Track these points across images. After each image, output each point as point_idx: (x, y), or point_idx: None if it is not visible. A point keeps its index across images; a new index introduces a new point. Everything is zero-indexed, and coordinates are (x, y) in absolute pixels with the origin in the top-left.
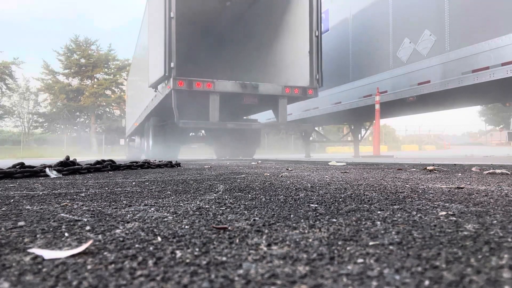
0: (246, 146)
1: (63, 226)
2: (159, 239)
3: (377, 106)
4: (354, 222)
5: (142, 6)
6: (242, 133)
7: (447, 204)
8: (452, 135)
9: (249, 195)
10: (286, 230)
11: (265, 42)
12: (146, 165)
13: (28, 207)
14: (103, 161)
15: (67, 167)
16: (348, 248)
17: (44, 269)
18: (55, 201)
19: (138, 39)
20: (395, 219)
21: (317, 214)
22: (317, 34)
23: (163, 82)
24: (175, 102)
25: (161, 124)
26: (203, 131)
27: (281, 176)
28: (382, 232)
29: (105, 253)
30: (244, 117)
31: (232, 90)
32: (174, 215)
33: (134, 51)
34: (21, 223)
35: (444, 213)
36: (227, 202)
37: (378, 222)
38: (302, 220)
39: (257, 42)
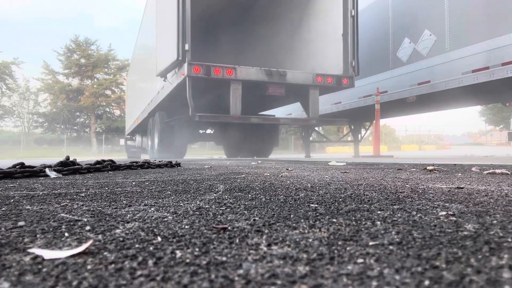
0: (262, 145)
1: (63, 226)
2: (159, 239)
3: (377, 106)
4: (354, 222)
5: (142, 6)
6: (258, 130)
7: (447, 204)
8: (452, 135)
9: (249, 195)
10: (286, 230)
11: (292, 23)
12: (146, 165)
13: (28, 207)
14: (103, 161)
15: (67, 167)
16: (348, 248)
17: (44, 269)
18: (55, 201)
19: (140, 27)
20: (395, 219)
21: (317, 214)
22: (353, 14)
23: (174, 69)
24: (190, 92)
25: (169, 119)
26: (210, 128)
27: (281, 176)
28: (382, 232)
29: (105, 253)
30: (259, 113)
31: (256, 78)
32: (174, 215)
33: (136, 40)
34: (21, 223)
35: (444, 213)
36: (227, 202)
37: (378, 222)
38: (302, 220)
39: (282, 23)
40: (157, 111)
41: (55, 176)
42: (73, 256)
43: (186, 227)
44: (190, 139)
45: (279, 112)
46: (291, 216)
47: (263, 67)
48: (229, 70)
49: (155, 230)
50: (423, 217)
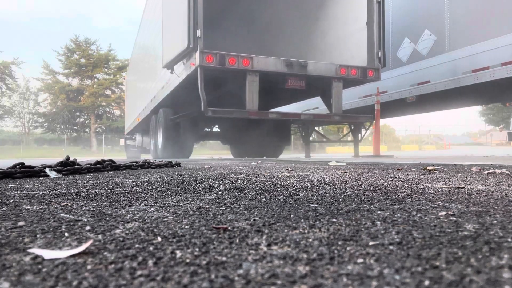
0: (272, 144)
1: (63, 226)
2: (159, 239)
3: (377, 106)
4: (354, 222)
5: (141, 5)
6: (268, 127)
7: (447, 204)
8: (452, 135)
9: (249, 195)
10: (286, 230)
11: (312, 10)
12: (146, 165)
13: (28, 207)
14: (103, 161)
15: (67, 167)
16: (348, 248)
17: (44, 269)
18: (55, 201)
19: (140, 24)
20: (395, 219)
21: (317, 214)
22: (379, 0)
23: (183, 59)
24: (202, 84)
25: (174, 116)
26: (216, 126)
27: (281, 176)
28: (382, 232)
29: (105, 253)
30: (271, 110)
31: (275, 69)
32: (174, 215)
33: (136, 38)
34: (21, 223)
35: (444, 213)
36: (227, 202)
37: (378, 222)
38: (302, 220)
39: (301, 9)
40: (161, 107)
41: (55, 176)
42: (73, 256)
43: (186, 227)
44: (197, 137)
45: (290, 109)
46: (291, 216)
47: (280, 57)
48: (245, 60)
49: (155, 230)
50: (423, 217)
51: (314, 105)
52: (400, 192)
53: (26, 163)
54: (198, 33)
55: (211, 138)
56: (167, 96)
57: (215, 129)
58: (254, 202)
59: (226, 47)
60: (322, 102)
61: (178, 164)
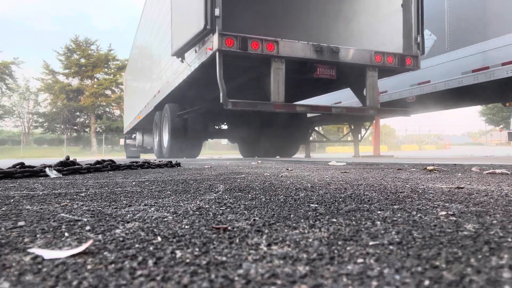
0: (286, 142)
1: (63, 226)
2: (159, 239)
3: None
4: (354, 222)
5: (141, 5)
6: (284, 123)
7: (447, 204)
8: (452, 135)
9: (249, 195)
10: (286, 230)
11: None
12: (146, 165)
13: (28, 207)
14: (103, 161)
15: (67, 167)
16: (348, 248)
17: (44, 269)
18: (55, 201)
19: (142, 14)
20: (395, 219)
21: (317, 214)
22: None
23: (196, 45)
24: (221, 71)
25: (182, 112)
26: (224, 123)
27: (281, 176)
28: (382, 232)
29: (105, 253)
30: (297, 102)
31: (303, 55)
32: (174, 215)
33: (137, 31)
34: (21, 223)
35: (444, 213)
36: (227, 202)
37: (378, 222)
38: (302, 220)
39: None
40: (167, 103)
41: (55, 176)
42: (73, 256)
43: (186, 227)
44: (206, 135)
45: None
46: (291, 216)
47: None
48: (269, 44)
49: (155, 230)
50: (423, 217)
51: (336, 99)
52: (400, 192)
53: (26, 163)
54: (217, 11)
55: (219, 136)
56: (174, 90)
57: (223, 126)
58: (254, 202)
59: (243, 29)
60: (339, 96)
61: (178, 164)
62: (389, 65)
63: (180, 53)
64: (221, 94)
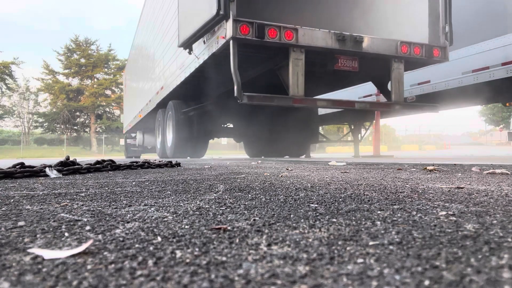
0: (296, 141)
1: (63, 226)
2: (159, 239)
3: None
4: (354, 222)
5: (140, 6)
6: (293, 121)
7: (447, 204)
8: (452, 135)
9: (249, 195)
10: (286, 230)
11: None
12: (146, 165)
13: (28, 207)
14: (103, 161)
15: (67, 167)
16: (348, 248)
17: (44, 269)
18: (55, 201)
19: (142, 11)
20: (395, 219)
21: (317, 214)
22: None
23: (206, 34)
24: (236, 62)
25: (188, 109)
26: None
27: (281, 176)
28: (382, 232)
29: (105, 253)
30: (317, 97)
31: (324, 44)
32: (174, 215)
33: (138, 26)
34: (21, 223)
35: (444, 213)
36: (227, 202)
37: (378, 222)
38: (302, 220)
39: None
40: (171, 99)
41: (55, 176)
42: (73, 256)
43: (186, 227)
44: (212, 133)
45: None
46: (291, 216)
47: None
48: (288, 32)
49: (155, 230)
50: (423, 217)
51: (354, 95)
52: (400, 192)
53: (26, 163)
54: None
55: (224, 135)
56: (179, 86)
57: (229, 124)
58: (254, 202)
59: (256, 15)
60: (355, 91)
61: (178, 164)
62: (415, 57)
63: (187, 44)
64: (235, 87)
